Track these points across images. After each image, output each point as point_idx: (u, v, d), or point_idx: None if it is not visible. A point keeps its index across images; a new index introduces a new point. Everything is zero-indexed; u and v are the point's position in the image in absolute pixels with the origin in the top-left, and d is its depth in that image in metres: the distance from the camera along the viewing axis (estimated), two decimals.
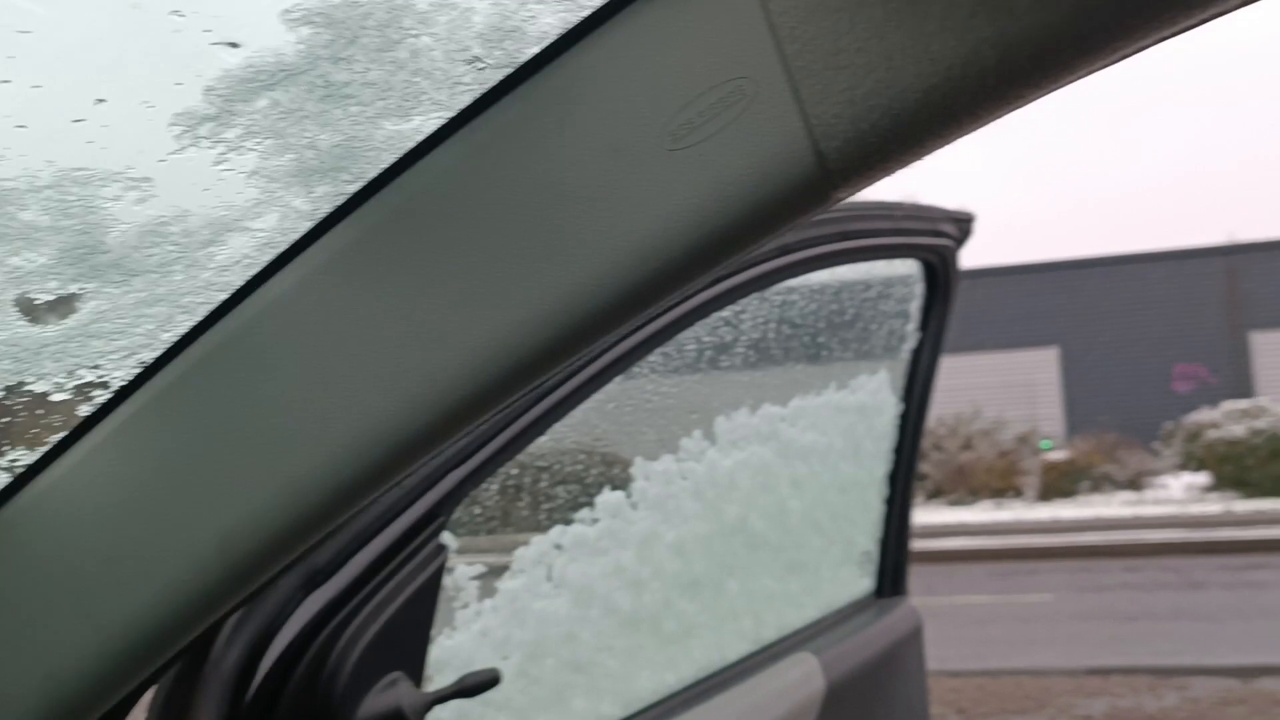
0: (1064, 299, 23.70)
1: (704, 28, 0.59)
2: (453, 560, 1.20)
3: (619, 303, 0.61)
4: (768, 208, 0.58)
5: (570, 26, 0.59)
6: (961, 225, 2.12)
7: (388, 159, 0.63)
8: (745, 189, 0.58)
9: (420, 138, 0.63)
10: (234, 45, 0.62)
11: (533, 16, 0.58)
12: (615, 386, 1.42)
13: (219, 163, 0.65)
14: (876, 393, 2.11)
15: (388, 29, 0.59)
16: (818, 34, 0.56)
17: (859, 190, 0.59)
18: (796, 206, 0.58)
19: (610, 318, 0.61)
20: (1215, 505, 15.60)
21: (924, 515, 15.31)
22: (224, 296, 0.69)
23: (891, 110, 0.55)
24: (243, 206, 0.67)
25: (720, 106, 0.58)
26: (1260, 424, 16.93)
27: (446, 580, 1.19)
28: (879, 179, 0.59)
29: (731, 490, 1.74)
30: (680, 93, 0.59)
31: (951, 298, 2.23)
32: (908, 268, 2.12)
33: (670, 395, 1.66)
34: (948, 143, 0.57)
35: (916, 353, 2.19)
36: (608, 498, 1.54)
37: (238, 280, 0.69)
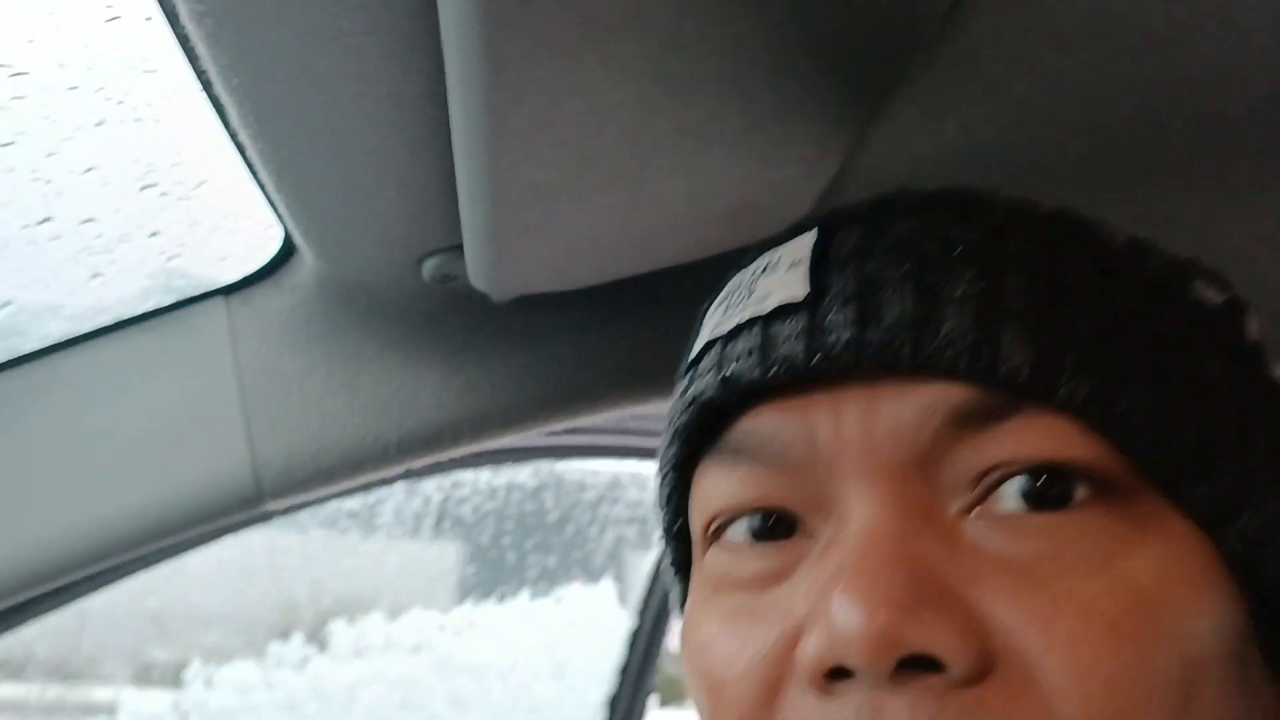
0: None
1: (177, 361, 0.75)
2: None
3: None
4: (202, 517, 0.74)
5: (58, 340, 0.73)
6: None
7: None
8: (187, 502, 0.74)
9: None
10: None
11: (40, 324, 0.71)
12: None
13: None
14: (596, 606, 1.86)
15: None
16: (273, 392, 0.75)
17: (288, 507, 0.78)
18: (230, 521, 0.75)
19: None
20: None
21: None
22: None
23: (319, 458, 0.75)
24: None
25: (181, 428, 0.74)
26: None
27: None
28: (305, 502, 0.78)
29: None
30: (151, 410, 0.75)
31: None
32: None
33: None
34: (362, 487, 0.78)
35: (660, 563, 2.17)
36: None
37: None
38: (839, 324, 0.40)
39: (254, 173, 0.63)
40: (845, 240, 0.43)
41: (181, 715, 1.26)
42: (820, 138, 0.58)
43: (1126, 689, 0.35)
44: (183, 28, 0.47)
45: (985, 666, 0.35)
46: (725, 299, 0.45)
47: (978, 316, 0.39)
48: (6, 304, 0.71)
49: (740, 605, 0.41)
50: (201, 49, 0.48)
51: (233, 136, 0.61)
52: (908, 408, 0.39)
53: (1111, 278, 0.41)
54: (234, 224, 0.70)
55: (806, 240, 0.43)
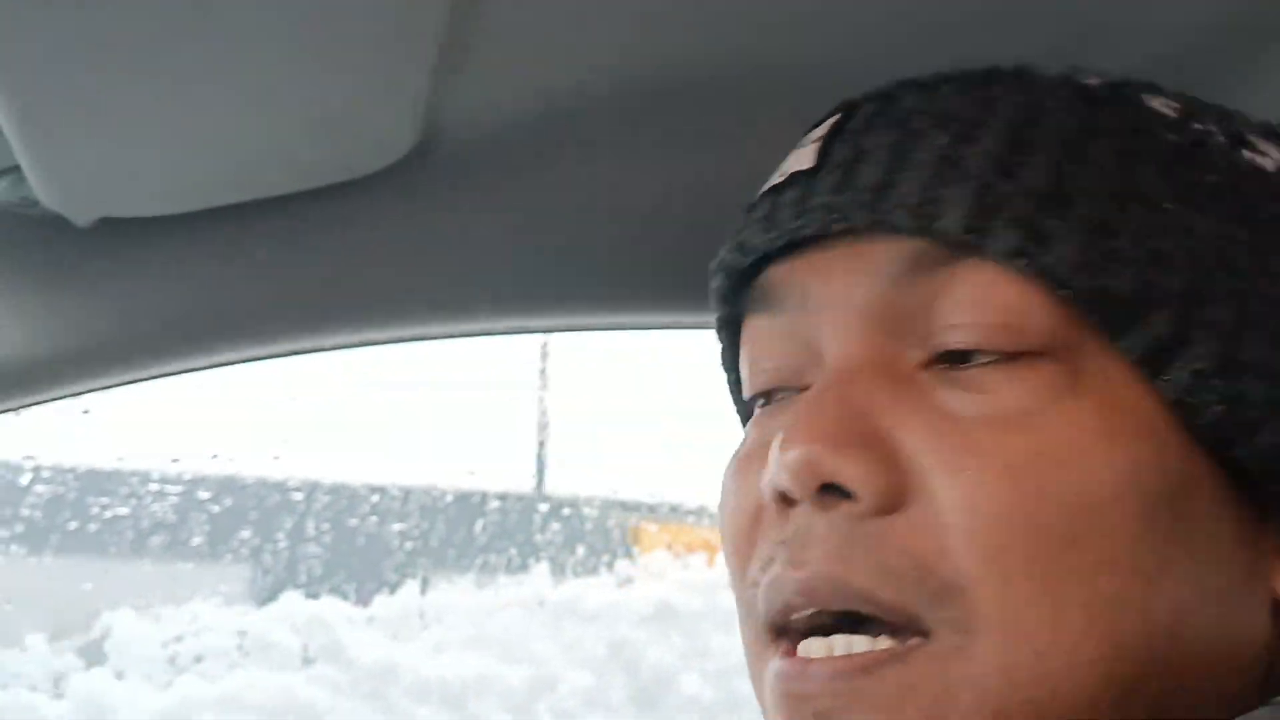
0: None
1: None
2: None
3: None
4: None
5: None
6: None
7: None
8: None
9: None
10: None
11: None
12: None
13: None
14: None
15: None
16: None
17: None
18: None
19: None
20: None
21: None
22: None
23: None
24: None
25: None
26: None
27: None
28: None
29: None
30: None
31: None
32: None
33: None
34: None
35: None
36: None
37: None
38: (823, 190, 0.43)
39: None
40: (860, 117, 0.46)
41: None
42: (405, 40, 0.54)
43: (1012, 526, 0.39)
44: None
45: (896, 502, 0.40)
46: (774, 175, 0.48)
47: (930, 179, 0.42)
48: None
49: (748, 456, 0.46)
50: None
51: None
52: (866, 264, 0.43)
53: (1096, 136, 0.43)
54: None
55: (832, 118, 0.46)
